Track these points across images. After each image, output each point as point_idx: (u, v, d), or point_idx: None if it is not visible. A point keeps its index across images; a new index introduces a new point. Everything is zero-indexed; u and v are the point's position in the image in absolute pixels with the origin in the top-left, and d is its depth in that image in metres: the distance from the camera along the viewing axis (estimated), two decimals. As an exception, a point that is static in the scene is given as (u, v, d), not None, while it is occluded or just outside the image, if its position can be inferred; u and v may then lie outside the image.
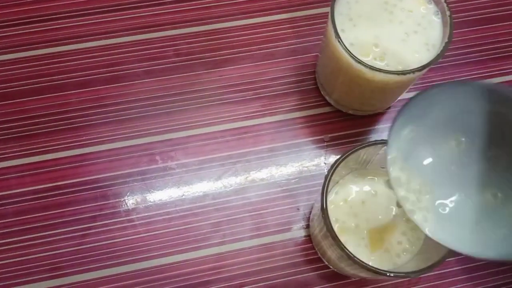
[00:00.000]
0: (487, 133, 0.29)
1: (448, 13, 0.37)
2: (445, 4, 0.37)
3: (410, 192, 0.29)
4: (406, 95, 0.46)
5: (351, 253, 0.31)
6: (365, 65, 0.36)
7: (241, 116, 0.46)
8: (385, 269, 0.31)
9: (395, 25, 0.39)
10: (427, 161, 0.30)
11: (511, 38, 0.50)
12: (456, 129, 0.29)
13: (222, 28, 0.49)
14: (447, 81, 0.48)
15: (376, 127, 0.46)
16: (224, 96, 0.46)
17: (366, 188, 0.37)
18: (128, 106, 0.46)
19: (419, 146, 0.30)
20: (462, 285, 0.42)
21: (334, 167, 0.33)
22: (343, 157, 0.33)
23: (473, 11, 0.51)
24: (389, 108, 0.46)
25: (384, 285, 0.41)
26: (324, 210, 0.33)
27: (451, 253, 0.31)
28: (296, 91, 0.47)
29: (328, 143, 0.45)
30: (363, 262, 0.31)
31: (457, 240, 0.28)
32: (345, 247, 0.32)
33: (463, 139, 0.29)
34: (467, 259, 0.42)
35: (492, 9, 0.51)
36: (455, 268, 0.42)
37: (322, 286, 0.41)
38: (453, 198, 0.29)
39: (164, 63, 0.47)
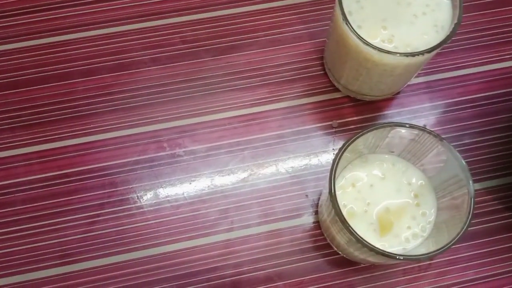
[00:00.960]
0: None
1: (457, -7, 0.37)
2: (454, -15, 0.37)
3: None
4: (414, 80, 0.46)
5: (360, 237, 0.31)
6: (373, 47, 0.35)
7: (248, 103, 0.46)
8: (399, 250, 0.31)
9: (403, 6, 0.38)
10: None
11: (521, 21, 0.49)
12: None
13: (228, 14, 0.48)
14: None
15: (385, 112, 0.45)
16: (231, 83, 0.46)
17: (375, 172, 0.37)
18: (135, 93, 0.46)
19: None
20: (473, 270, 0.41)
21: (342, 150, 0.33)
22: (351, 141, 0.33)
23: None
24: (398, 93, 0.46)
25: (394, 271, 0.41)
26: (332, 195, 0.32)
27: (461, 237, 0.31)
28: (304, 77, 0.46)
29: (336, 129, 0.45)
30: (372, 245, 0.31)
31: None
32: (354, 231, 0.31)
33: None
34: (478, 244, 0.42)
35: (502, -8, 0.50)
36: (466, 254, 0.42)
37: (331, 272, 0.41)
38: None
39: (170, 51, 0.47)
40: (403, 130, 0.34)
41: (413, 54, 0.35)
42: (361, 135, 0.33)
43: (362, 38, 0.35)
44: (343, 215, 0.32)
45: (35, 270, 0.41)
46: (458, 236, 0.31)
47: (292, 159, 0.44)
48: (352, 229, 0.31)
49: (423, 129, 0.33)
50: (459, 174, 0.33)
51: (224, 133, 0.44)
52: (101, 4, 0.48)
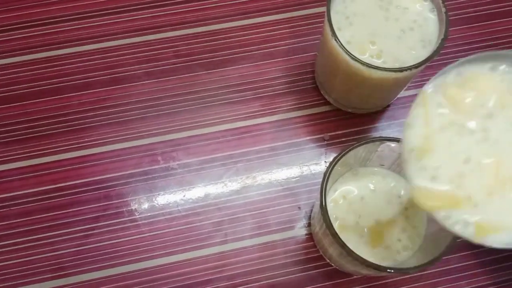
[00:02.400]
0: None
1: (443, 9, 0.37)
2: (440, 1, 0.38)
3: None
4: (404, 93, 0.47)
5: (351, 250, 0.32)
6: (362, 63, 0.36)
7: (241, 116, 0.46)
8: (390, 263, 0.32)
9: (391, 22, 0.39)
10: None
11: (508, 35, 0.50)
12: None
13: (221, 29, 0.49)
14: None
15: (375, 125, 0.46)
16: (224, 96, 0.47)
17: (365, 185, 0.38)
18: (129, 107, 0.46)
19: None
20: (464, 281, 0.42)
21: (332, 164, 0.34)
22: (341, 155, 0.34)
23: (469, 8, 0.51)
24: (388, 106, 0.47)
25: (386, 282, 0.42)
26: (323, 208, 0.33)
27: (450, 249, 0.32)
28: (296, 91, 0.47)
29: (328, 142, 0.46)
30: (362, 258, 0.31)
31: None
32: (345, 244, 0.32)
33: None
34: (469, 255, 0.43)
35: (488, 6, 0.51)
36: (457, 265, 0.42)
37: (323, 284, 0.41)
38: None
39: (164, 65, 0.48)
40: (392, 144, 0.35)
41: (401, 70, 0.36)
42: (352, 149, 0.34)
43: (351, 54, 0.36)
44: (334, 228, 0.32)
45: (29, 284, 0.41)
46: (447, 250, 0.32)
47: (285, 172, 0.45)
48: (343, 242, 0.32)
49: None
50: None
51: (218, 146, 0.45)
52: (95, 20, 0.49)
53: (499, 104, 0.26)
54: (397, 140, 0.34)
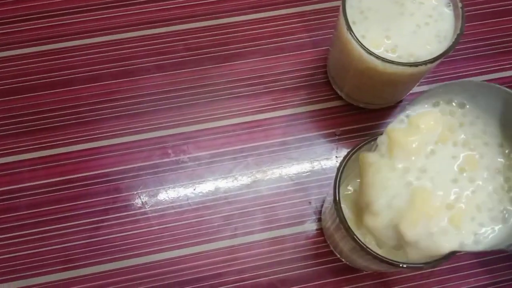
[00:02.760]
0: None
1: (460, 4, 0.37)
2: (456, -4, 0.37)
3: None
4: (417, 89, 0.46)
5: (364, 244, 0.31)
6: (377, 57, 0.36)
7: (252, 110, 0.46)
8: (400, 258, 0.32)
9: (406, 17, 0.38)
10: None
11: (522, 31, 0.50)
12: None
13: (232, 22, 0.49)
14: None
15: (387, 120, 0.46)
16: (235, 90, 0.47)
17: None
18: (139, 100, 0.46)
19: None
20: (475, 278, 0.42)
21: (346, 158, 0.33)
22: (355, 149, 0.33)
23: (483, 4, 0.51)
24: (400, 101, 0.46)
25: (396, 278, 0.41)
26: (337, 203, 0.33)
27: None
28: (307, 85, 0.47)
29: (339, 137, 0.45)
30: (376, 253, 0.31)
31: None
32: (358, 237, 0.32)
33: None
34: (479, 253, 0.42)
35: (502, 3, 0.51)
36: (468, 262, 0.42)
37: (333, 279, 0.41)
38: None
39: (174, 58, 0.47)
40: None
41: (416, 64, 0.36)
42: (365, 143, 0.34)
43: (366, 48, 0.36)
44: (347, 223, 0.32)
45: (38, 275, 0.41)
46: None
47: (295, 166, 0.44)
48: (356, 236, 0.32)
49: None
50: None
51: (228, 140, 0.45)
52: (106, 11, 0.49)
53: (439, 141, 0.31)
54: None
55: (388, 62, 0.36)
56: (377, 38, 0.38)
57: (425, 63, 0.36)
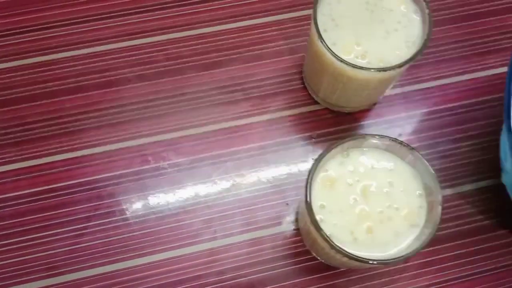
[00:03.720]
0: None
1: (427, 11, 0.38)
2: (424, 3, 0.39)
3: None
4: (391, 92, 0.48)
5: (333, 243, 0.33)
6: (347, 64, 0.37)
7: (231, 116, 0.47)
8: (375, 255, 0.33)
9: (376, 23, 0.40)
10: None
11: (494, 34, 0.51)
12: None
13: (211, 32, 0.50)
14: None
15: (362, 123, 0.47)
16: (214, 98, 0.48)
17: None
18: (121, 110, 0.47)
19: None
20: (447, 271, 0.43)
21: (317, 161, 0.34)
22: (325, 152, 0.35)
23: (457, 8, 0.52)
24: (375, 104, 0.48)
25: (372, 274, 0.43)
26: (308, 203, 0.34)
27: (430, 240, 0.32)
28: (284, 91, 0.48)
29: (316, 140, 0.46)
30: (344, 250, 0.32)
31: None
32: (328, 236, 0.33)
33: None
34: (453, 246, 0.44)
35: (474, 6, 0.52)
36: (442, 256, 0.43)
37: (311, 277, 0.42)
38: None
39: (155, 68, 0.49)
40: (374, 140, 0.36)
41: (384, 69, 0.37)
42: (335, 146, 0.35)
43: (336, 55, 0.37)
44: (318, 223, 0.33)
45: (24, 283, 0.42)
46: (426, 241, 0.33)
47: (273, 169, 0.45)
48: (326, 235, 0.33)
49: (394, 139, 0.35)
50: (428, 182, 0.35)
51: (208, 145, 0.46)
52: (87, 24, 0.50)
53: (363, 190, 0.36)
54: (379, 136, 0.35)
55: (358, 68, 0.37)
56: (348, 45, 0.39)
57: (393, 68, 0.37)
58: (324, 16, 0.40)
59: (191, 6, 0.51)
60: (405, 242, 0.35)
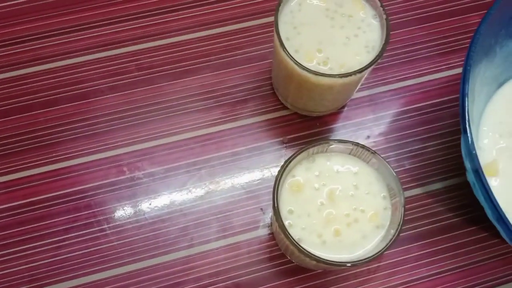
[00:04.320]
0: None
1: (384, 16, 0.40)
2: (381, 8, 0.40)
3: None
4: (357, 94, 0.49)
5: (301, 247, 0.34)
6: (309, 71, 0.38)
7: (203, 124, 0.48)
8: (343, 257, 0.34)
9: (336, 30, 0.41)
10: None
11: (456, 34, 0.52)
12: None
13: (181, 41, 0.51)
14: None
15: (331, 126, 0.48)
16: (187, 106, 0.49)
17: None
18: (95, 121, 0.48)
19: None
20: (420, 269, 0.45)
21: (284, 167, 0.36)
22: (291, 158, 0.36)
23: (420, 9, 0.53)
24: (343, 107, 0.49)
25: (346, 274, 0.44)
26: (275, 209, 0.35)
27: (394, 242, 0.34)
28: (255, 97, 0.49)
29: (287, 145, 0.48)
30: (312, 254, 0.34)
31: None
32: (296, 241, 0.34)
33: None
34: (424, 245, 0.45)
35: (436, 7, 0.54)
36: (414, 254, 0.45)
37: (287, 280, 0.43)
38: None
39: (127, 78, 0.49)
40: (339, 145, 0.37)
41: (346, 75, 0.38)
42: (301, 152, 0.36)
43: (298, 63, 0.38)
44: (286, 228, 0.34)
45: (5, 296, 0.43)
46: (391, 242, 0.34)
47: (246, 175, 0.47)
48: (294, 240, 0.34)
49: (356, 144, 0.36)
50: (391, 184, 0.36)
51: (181, 154, 0.47)
52: (58, 38, 0.50)
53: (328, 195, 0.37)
54: (343, 141, 0.36)
55: (320, 75, 0.38)
56: (310, 52, 0.40)
57: (354, 73, 0.38)
58: (286, 24, 0.41)
59: (161, 16, 0.52)
60: (371, 243, 0.36)
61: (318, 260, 0.34)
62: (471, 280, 0.45)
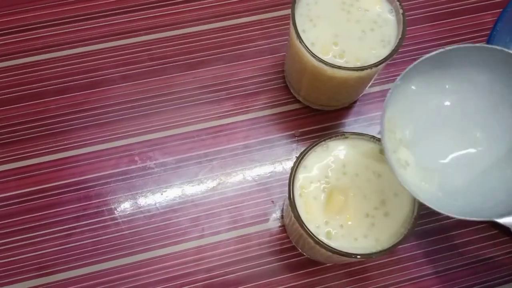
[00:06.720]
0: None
1: (401, 11, 0.40)
2: (398, 3, 0.40)
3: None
4: (370, 90, 0.49)
5: (317, 238, 0.34)
6: (325, 63, 0.38)
7: (215, 116, 0.48)
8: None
9: (352, 23, 0.41)
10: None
11: (468, 32, 0.52)
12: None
13: (194, 31, 0.51)
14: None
15: (343, 120, 0.48)
16: (198, 97, 0.49)
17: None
18: (106, 110, 0.48)
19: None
20: (432, 265, 0.45)
21: (299, 159, 0.36)
22: (307, 150, 0.36)
23: (431, 6, 0.54)
24: (355, 102, 0.49)
25: (356, 268, 0.44)
26: (291, 200, 0.35)
27: (409, 235, 0.34)
28: (267, 90, 0.49)
29: (298, 138, 0.48)
30: (329, 246, 0.34)
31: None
32: (312, 233, 0.34)
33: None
34: (436, 240, 0.45)
35: (449, 4, 0.54)
36: (427, 249, 0.45)
37: (297, 273, 0.44)
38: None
39: (139, 68, 0.49)
40: (355, 138, 0.37)
41: (361, 68, 0.38)
42: (316, 144, 0.36)
43: (315, 55, 0.38)
44: (301, 219, 0.34)
45: (14, 282, 0.42)
46: (405, 237, 0.34)
47: (258, 168, 0.47)
48: (310, 231, 0.34)
49: (373, 137, 0.36)
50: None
51: (193, 145, 0.47)
52: (71, 25, 0.50)
53: None
54: (358, 134, 0.36)
55: (336, 67, 0.38)
56: (326, 45, 0.40)
57: (370, 67, 0.39)
58: (302, 16, 0.41)
59: (175, 6, 0.52)
60: (386, 235, 0.37)
61: (333, 251, 0.34)
62: (479, 277, 0.45)
